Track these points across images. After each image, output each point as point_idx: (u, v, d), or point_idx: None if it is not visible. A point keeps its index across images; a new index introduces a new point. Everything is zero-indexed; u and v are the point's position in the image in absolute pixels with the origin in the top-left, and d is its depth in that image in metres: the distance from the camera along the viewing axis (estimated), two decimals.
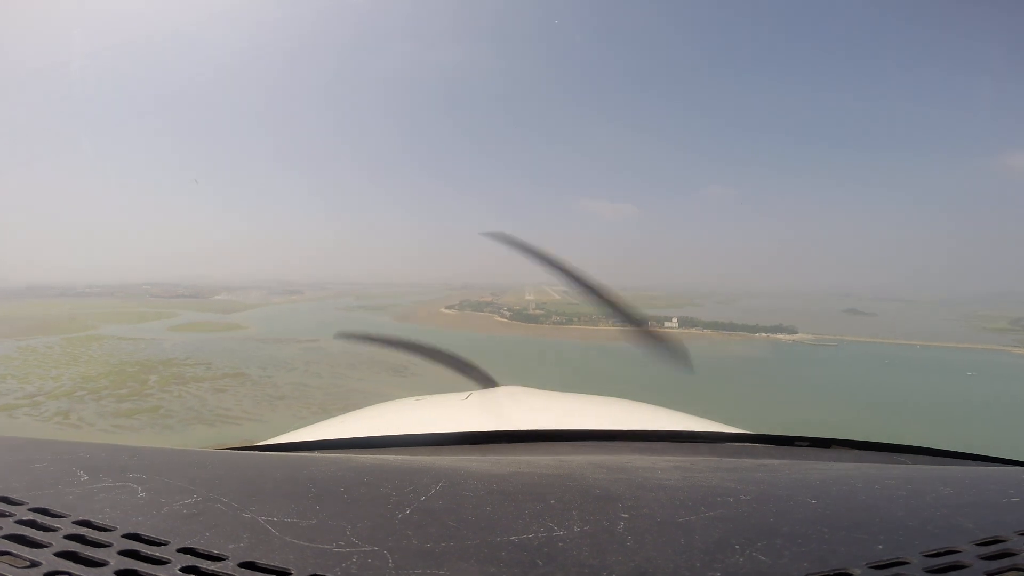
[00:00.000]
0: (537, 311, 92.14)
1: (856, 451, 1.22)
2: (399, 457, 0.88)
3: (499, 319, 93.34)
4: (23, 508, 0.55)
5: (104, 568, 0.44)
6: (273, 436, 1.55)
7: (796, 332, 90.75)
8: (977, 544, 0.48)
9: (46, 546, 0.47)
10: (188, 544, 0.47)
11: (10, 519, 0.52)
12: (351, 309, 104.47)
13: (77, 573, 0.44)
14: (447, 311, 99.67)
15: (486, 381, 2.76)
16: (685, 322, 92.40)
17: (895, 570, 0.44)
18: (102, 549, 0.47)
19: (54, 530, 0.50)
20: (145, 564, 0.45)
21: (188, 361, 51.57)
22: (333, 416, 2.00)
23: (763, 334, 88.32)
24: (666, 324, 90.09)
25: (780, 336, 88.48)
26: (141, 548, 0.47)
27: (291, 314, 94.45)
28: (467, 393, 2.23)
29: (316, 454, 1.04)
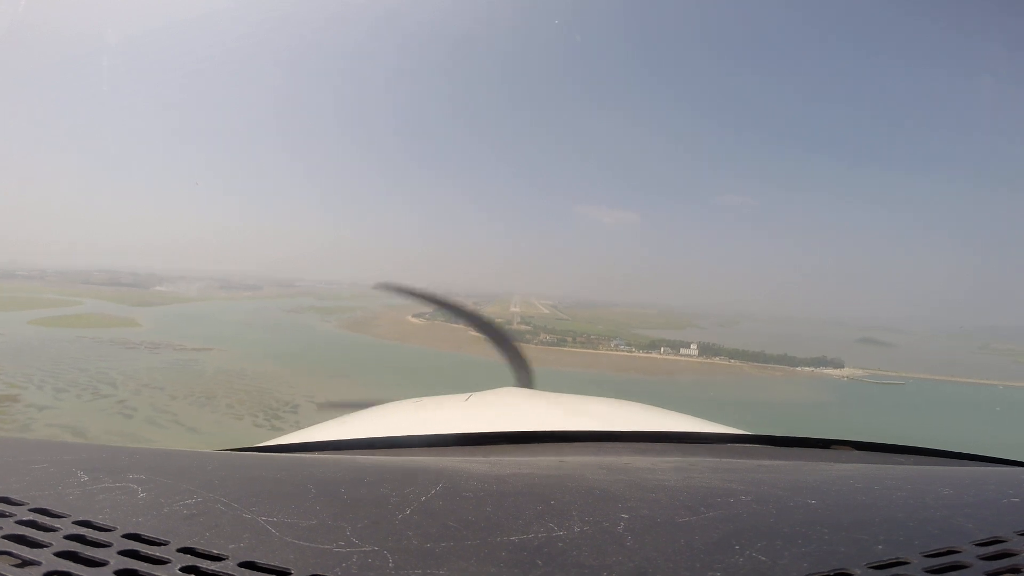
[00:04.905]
0: (522, 326, 74.24)
1: (856, 451, 1.22)
2: (399, 458, 0.88)
3: (475, 334, 75.32)
4: (23, 508, 0.54)
5: (104, 568, 0.44)
6: None
7: (843, 366, 72.24)
8: (977, 544, 0.48)
9: (46, 546, 0.47)
10: (188, 544, 0.47)
11: (10, 519, 0.52)
12: (302, 311, 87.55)
13: (77, 573, 0.43)
14: (415, 320, 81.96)
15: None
16: (705, 349, 73.75)
17: (895, 570, 0.44)
18: (102, 549, 0.47)
19: (54, 530, 0.50)
20: (145, 564, 0.45)
21: None
22: None
23: (806, 368, 69.79)
24: (683, 351, 72.40)
25: (828, 371, 69.79)
26: (141, 548, 0.47)
27: (219, 312, 77.37)
28: (467, 394, 2.28)
29: (316, 455, 1.05)
